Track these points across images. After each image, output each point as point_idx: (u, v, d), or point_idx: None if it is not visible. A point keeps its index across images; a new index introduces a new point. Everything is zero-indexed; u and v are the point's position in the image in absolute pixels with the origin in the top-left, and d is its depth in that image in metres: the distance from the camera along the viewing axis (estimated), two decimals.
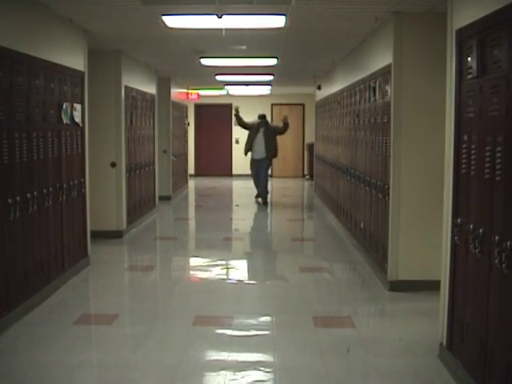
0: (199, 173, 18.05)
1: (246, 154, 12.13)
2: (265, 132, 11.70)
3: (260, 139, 11.72)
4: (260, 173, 11.87)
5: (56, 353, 4.08)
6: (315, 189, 13.61)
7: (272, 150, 11.80)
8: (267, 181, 11.96)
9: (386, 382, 3.76)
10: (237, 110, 12.00)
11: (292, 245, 8.24)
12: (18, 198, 4.62)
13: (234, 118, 12.57)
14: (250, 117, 12.56)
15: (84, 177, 6.40)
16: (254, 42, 7.59)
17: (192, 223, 10.72)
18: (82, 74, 6.36)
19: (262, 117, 12.00)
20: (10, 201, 4.49)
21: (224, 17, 5.59)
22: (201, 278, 6.49)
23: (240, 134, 17.91)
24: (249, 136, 11.97)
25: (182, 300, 5.55)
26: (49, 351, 4.10)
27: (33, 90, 4.96)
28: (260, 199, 11.97)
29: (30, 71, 4.90)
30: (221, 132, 18.12)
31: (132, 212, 8.79)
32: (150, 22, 6.06)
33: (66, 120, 5.79)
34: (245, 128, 12.16)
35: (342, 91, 9.07)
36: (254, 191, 12.16)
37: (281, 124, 12.14)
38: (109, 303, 5.37)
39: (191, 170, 17.21)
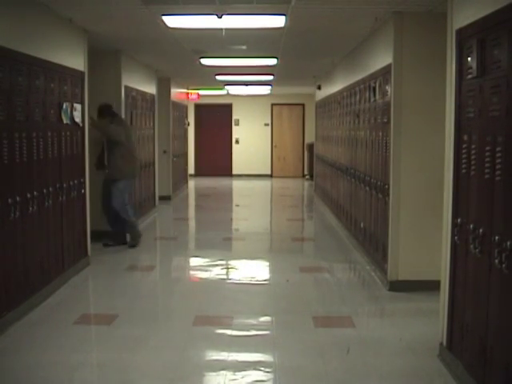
0: (199, 173, 18.03)
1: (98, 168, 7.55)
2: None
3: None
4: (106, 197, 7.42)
5: (56, 353, 4.08)
6: (315, 189, 13.61)
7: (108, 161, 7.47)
8: (117, 210, 7.43)
9: (385, 382, 3.76)
10: (92, 119, 6.98)
11: (292, 245, 8.24)
12: (18, 198, 4.62)
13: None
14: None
15: (84, 177, 6.40)
16: (254, 42, 7.58)
17: (192, 223, 10.73)
18: (82, 74, 6.36)
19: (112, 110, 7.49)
20: (10, 201, 4.49)
21: (224, 17, 5.59)
22: (201, 278, 6.49)
23: (240, 134, 17.96)
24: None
25: (182, 300, 5.55)
26: (49, 351, 4.10)
27: (33, 90, 4.96)
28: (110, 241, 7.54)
29: (30, 71, 4.90)
30: (221, 132, 18.11)
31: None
32: (150, 21, 6.06)
33: (66, 120, 5.79)
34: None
35: (341, 91, 9.07)
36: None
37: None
38: (109, 303, 5.37)
39: (191, 169, 17.21)
